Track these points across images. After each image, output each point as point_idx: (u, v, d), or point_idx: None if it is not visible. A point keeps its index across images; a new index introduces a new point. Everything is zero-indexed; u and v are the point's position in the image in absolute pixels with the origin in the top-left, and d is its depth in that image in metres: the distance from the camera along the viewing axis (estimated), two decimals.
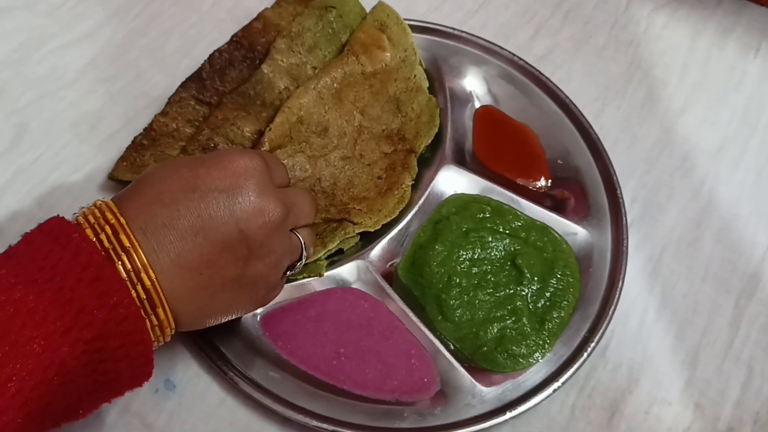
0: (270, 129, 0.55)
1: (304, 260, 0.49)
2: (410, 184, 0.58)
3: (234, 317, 0.46)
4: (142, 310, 0.38)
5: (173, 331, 0.41)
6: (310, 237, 0.50)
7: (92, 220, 0.39)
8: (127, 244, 0.38)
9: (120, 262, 0.37)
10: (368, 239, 0.56)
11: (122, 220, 0.39)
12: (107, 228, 0.38)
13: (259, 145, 0.55)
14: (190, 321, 0.42)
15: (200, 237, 0.40)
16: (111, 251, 0.38)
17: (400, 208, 0.57)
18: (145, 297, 0.38)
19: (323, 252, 0.54)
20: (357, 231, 0.55)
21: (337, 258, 0.55)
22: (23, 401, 0.34)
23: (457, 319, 0.53)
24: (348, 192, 0.57)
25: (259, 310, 0.53)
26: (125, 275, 0.37)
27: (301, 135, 0.56)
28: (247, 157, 0.43)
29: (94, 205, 0.40)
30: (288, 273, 0.49)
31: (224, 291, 0.42)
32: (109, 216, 0.39)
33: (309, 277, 0.53)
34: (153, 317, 0.39)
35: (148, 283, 0.38)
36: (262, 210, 0.42)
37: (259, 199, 0.42)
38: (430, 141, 0.60)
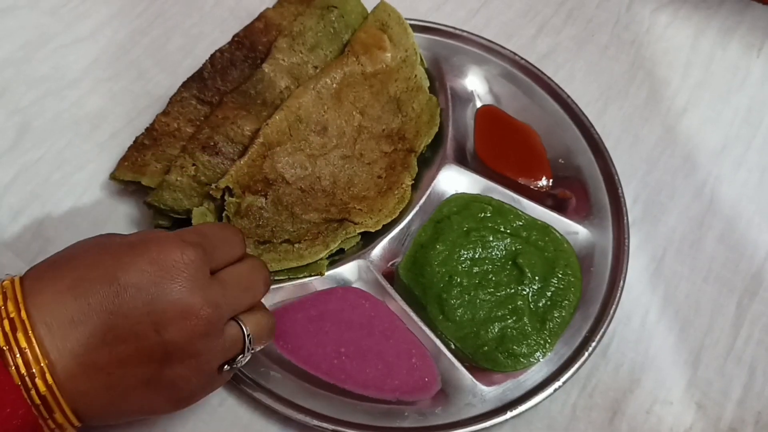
0: (267, 125, 0.55)
1: (248, 353, 0.42)
2: (410, 183, 0.58)
3: (154, 416, 0.43)
4: (38, 416, 0.35)
5: (77, 428, 0.38)
6: (260, 325, 0.43)
7: None
8: (24, 344, 0.35)
9: (14, 366, 0.35)
10: (369, 239, 0.56)
11: (23, 314, 0.35)
12: (6, 323, 0.35)
13: (256, 138, 0.54)
14: (97, 419, 0.39)
15: (111, 335, 0.36)
16: (7, 351, 0.35)
17: (401, 208, 0.57)
18: (40, 402, 0.35)
19: (325, 252, 0.54)
20: (358, 231, 0.55)
21: (337, 258, 0.55)
22: None
23: (458, 318, 0.53)
24: (348, 191, 0.57)
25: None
26: (19, 380, 0.35)
27: (300, 133, 0.56)
28: (179, 249, 0.39)
29: (2, 285, 0.37)
30: (227, 368, 0.42)
31: (137, 392, 0.39)
32: (11, 308, 0.36)
33: (310, 276, 0.54)
34: (50, 421, 0.36)
35: (43, 388, 0.35)
36: (186, 312, 0.38)
37: (186, 300, 0.38)
38: (430, 140, 0.60)
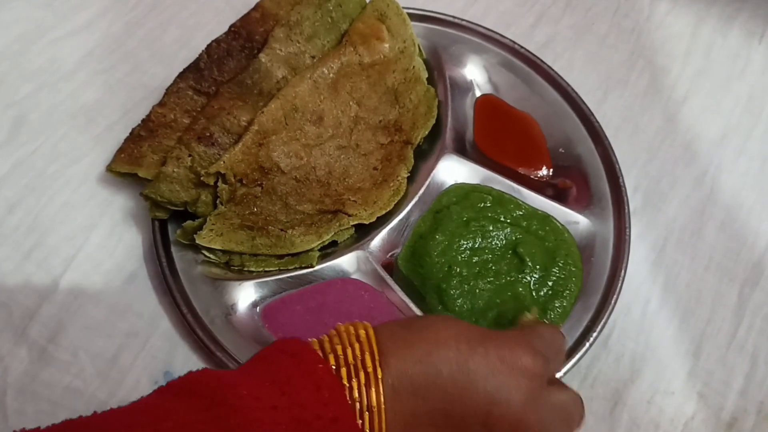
0: (262, 113, 0.55)
1: None
2: (406, 176, 0.58)
3: None
4: None
5: None
6: None
7: (350, 360, 0.36)
8: (374, 403, 0.35)
9: (361, 421, 0.35)
10: (364, 231, 0.56)
11: (380, 373, 0.35)
12: (362, 375, 0.35)
13: (251, 126, 0.54)
14: None
15: (443, 418, 0.36)
16: (357, 402, 0.35)
17: (396, 201, 0.57)
18: None
19: (317, 242, 0.53)
20: (352, 223, 0.55)
21: (330, 250, 0.55)
22: None
23: (457, 308, 0.53)
24: (343, 182, 0.56)
25: (259, 299, 0.53)
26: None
27: (295, 123, 0.56)
28: (531, 356, 0.38)
29: (357, 335, 0.37)
30: None
31: None
32: (368, 363, 0.35)
33: (300, 268, 0.53)
34: None
35: None
36: (518, 425, 0.37)
37: (522, 413, 0.37)
38: (427, 132, 0.60)
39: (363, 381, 0.35)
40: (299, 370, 0.35)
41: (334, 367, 0.36)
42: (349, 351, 0.36)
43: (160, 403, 0.33)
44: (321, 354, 0.36)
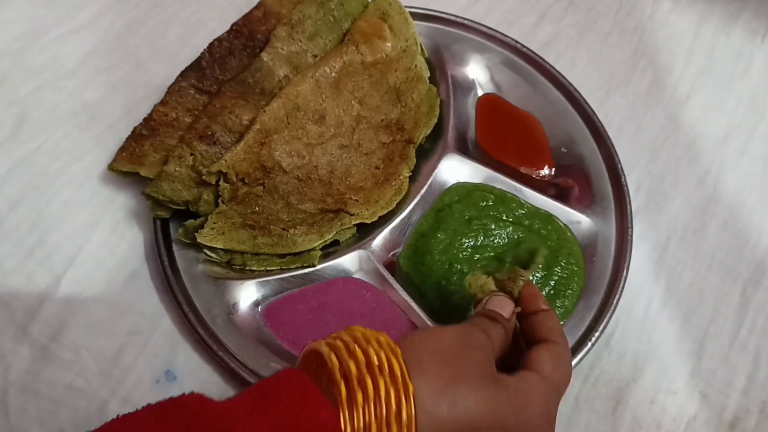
0: (264, 112, 0.54)
1: None
2: (408, 175, 0.58)
3: None
4: None
5: None
6: None
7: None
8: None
9: None
10: (366, 230, 0.56)
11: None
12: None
13: (252, 125, 0.54)
14: None
15: None
16: None
17: (398, 200, 0.56)
18: None
19: (319, 242, 0.53)
20: (354, 222, 0.55)
21: (332, 249, 0.55)
22: None
23: (454, 303, 0.52)
24: (345, 181, 0.56)
25: (261, 298, 0.53)
26: None
27: (297, 122, 0.56)
28: (555, 406, 0.41)
29: (398, 412, 0.35)
30: None
31: None
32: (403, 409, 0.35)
33: (302, 267, 0.53)
34: None
35: None
36: None
37: None
38: (429, 131, 0.60)
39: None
40: (303, 415, 0.33)
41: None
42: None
43: None
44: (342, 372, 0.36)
